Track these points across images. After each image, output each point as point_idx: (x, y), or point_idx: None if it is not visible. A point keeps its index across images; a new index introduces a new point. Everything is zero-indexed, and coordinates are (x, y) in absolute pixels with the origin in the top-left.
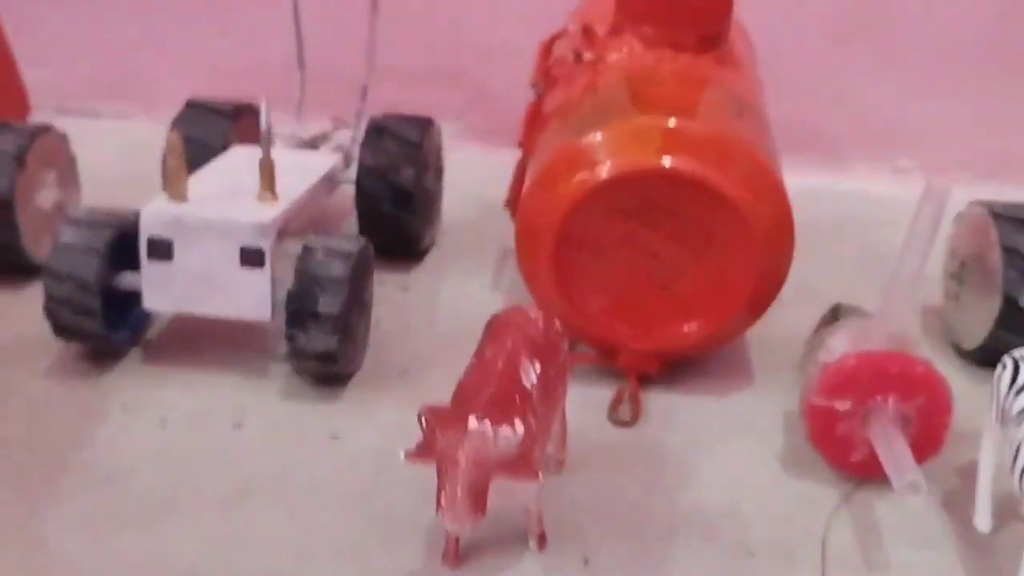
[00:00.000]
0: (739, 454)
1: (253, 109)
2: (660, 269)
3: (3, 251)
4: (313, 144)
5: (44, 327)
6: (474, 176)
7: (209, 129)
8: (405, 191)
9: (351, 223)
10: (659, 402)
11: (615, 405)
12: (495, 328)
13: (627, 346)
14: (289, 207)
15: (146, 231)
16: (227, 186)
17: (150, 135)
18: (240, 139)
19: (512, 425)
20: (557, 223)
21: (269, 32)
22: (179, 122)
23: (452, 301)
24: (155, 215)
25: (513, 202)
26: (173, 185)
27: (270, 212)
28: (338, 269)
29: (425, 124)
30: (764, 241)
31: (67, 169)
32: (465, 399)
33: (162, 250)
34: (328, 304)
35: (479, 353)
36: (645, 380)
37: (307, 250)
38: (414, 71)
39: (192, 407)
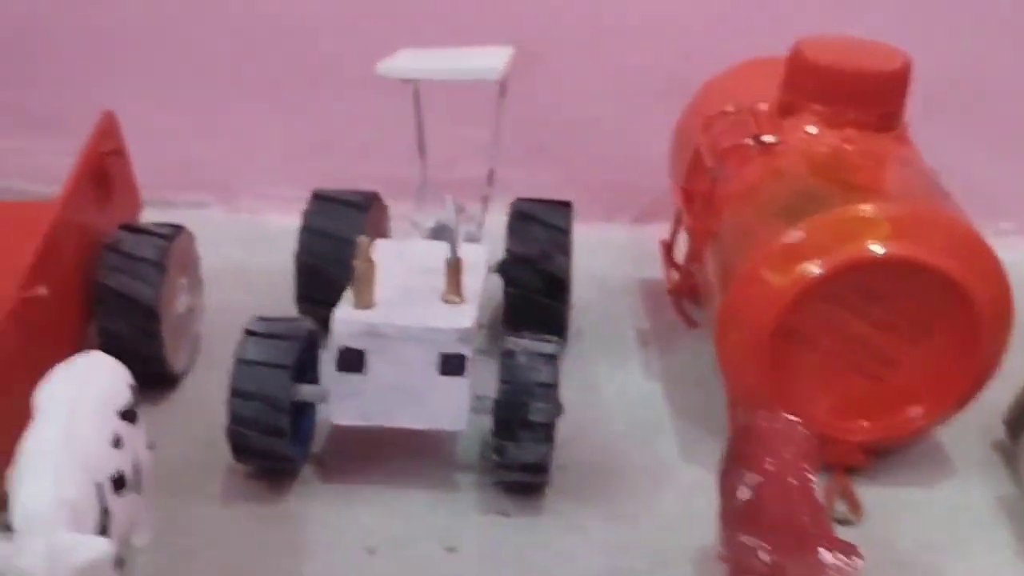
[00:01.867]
0: (986, 551)
1: (379, 200)
2: (870, 358)
3: (148, 363)
4: (441, 233)
5: (197, 446)
6: (583, 255)
7: (345, 222)
8: (558, 279)
9: (491, 312)
10: (866, 496)
11: (828, 502)
12: (761, 436)
13: (837, 438)
14: (476, 308)
15: (339, 341)
16: (403, 288)
17: (231, 225)
18: (370, 232)
19: (855, 554)
20: (774, 315)
21: (339, 116)
22: (312, 215)
23: (616, 395)
24: (348, 324)
25: (681, 289)
26: (362, 291)
27: (467, 315)
28: (546, 373)
29: (566, 208)
30: (989, 323)
31: (195, 271)
32: (780, 525)
33: (354, 361)
34: (540, 412)
35: (753, 466)
36: (851, 472)
37: (509, 353)
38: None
39: (395, 531)
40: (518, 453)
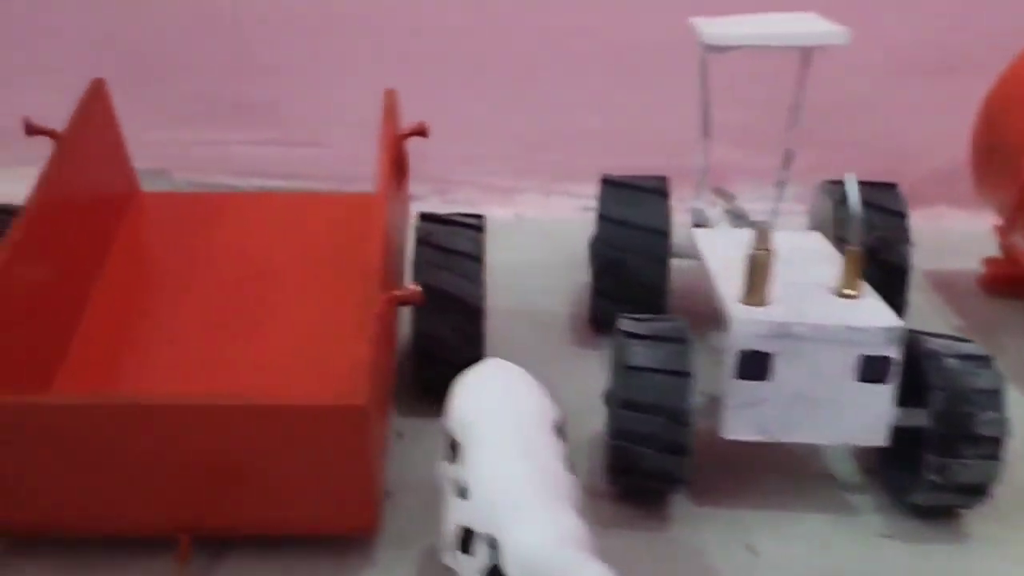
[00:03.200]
0: None
1: (666, 184)
2: None
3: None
4: (743, 219)
5: None
6: None
7: (645, 209)
8: (900, 271)
9: None
10: None
11: None
12: None
13: None
14: (882, 302)
15: (740, 344)
16: (783, 282)
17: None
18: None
19: None
20: None
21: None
22: (608, 202)
23: None
24: (752, 324)
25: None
26: (758, 285)
27: (887, 312)
28: (987, 378)
29: (894, 190)
30: None
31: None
32: None
33: (758, 366)
34: (989, 424)
35: None
36: None
37: (931, 355)
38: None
39: (808, 560)
40: (962, 473)
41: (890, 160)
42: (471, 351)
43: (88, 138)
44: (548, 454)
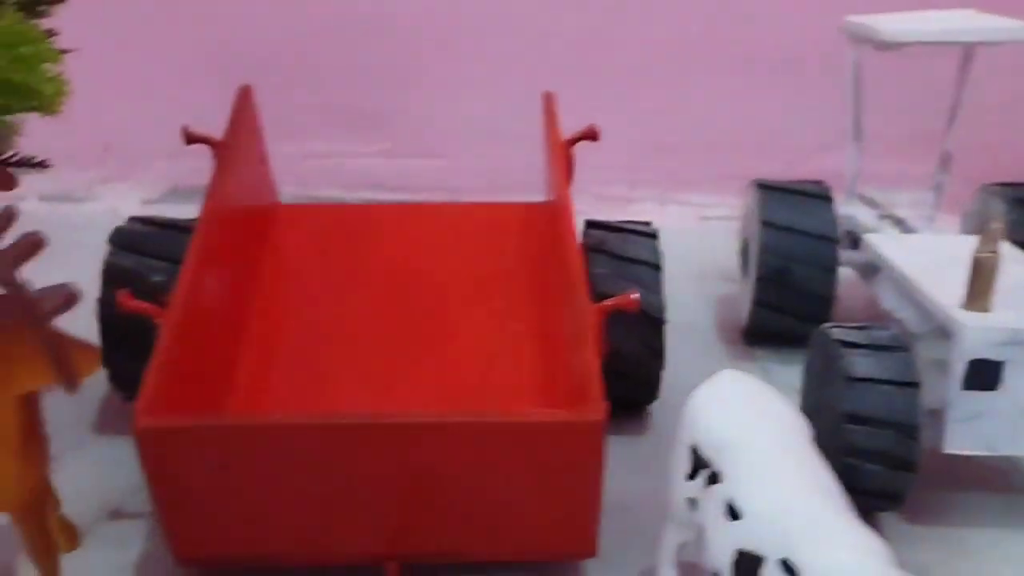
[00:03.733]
0: None
1: (827, 189)
2: None
3: (647, 386)
4: (903, 225)
5: None
6: None
7: (811, 216)
8: None
9: None
10: None
11: None
12: None
13: None
14: None
15: (970, 352)
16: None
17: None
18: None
19: None
20: None
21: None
22: (770, 208)
23: None
24: (983, 332)
25: None
26: (984, 289)
27: None
28: None
29: None
30: None
31: None
32: None
33: (987, 375)
34: None
35: None
36: None
37: None
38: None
39: None
40: None
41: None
42: (655, 365)
43: (241, 146)
44: (820, 467)
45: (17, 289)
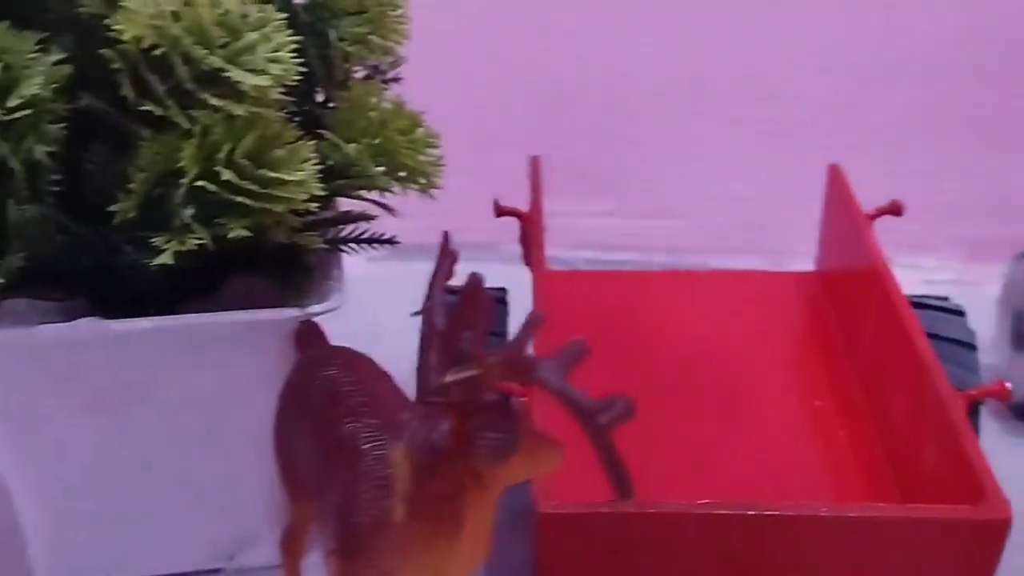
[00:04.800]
0: None
1: None
2: None
3: None
4: None
5: None
6: None
7: None
8: None
9: None
10: None
11: None
12: None
13: None
14: None
15: None
16: None
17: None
18: None
19: None
20: None
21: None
22: None
23: None
24: None
25: None
26: None
27: None
28: None
29: None
30: None
31: None
32: None
33: None
34: None
35: None
36: None
37: None
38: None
39: None
40: None
41: None
42: None
43: (540, 217)
44: None
45: (570, 398)
